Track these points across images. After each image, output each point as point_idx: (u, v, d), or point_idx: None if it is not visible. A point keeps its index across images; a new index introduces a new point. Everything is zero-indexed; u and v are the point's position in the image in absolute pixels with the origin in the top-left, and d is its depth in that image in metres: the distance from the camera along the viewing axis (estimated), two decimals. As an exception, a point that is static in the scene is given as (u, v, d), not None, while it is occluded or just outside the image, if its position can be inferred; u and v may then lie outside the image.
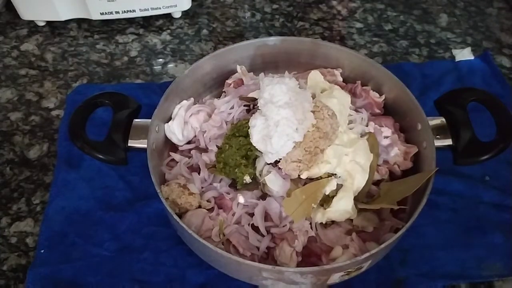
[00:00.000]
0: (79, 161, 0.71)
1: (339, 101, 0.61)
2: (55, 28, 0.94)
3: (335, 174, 0.57)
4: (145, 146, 0.59)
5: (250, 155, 0.59)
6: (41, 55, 0.90)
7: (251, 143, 0.57)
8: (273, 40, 0.72)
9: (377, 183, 0.61)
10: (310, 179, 0.58)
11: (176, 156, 0.66)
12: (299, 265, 0.55)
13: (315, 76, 0.67)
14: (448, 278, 0.60)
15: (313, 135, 0.56)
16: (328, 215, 0.57)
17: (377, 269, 0.60)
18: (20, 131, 0.78)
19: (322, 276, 0.53)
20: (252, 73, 0.72)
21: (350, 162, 0.58)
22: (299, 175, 0.57)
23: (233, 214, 0.58)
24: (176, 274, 0.61)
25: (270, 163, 0.58)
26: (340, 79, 0.71)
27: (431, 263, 0.62)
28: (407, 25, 0.96)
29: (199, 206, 0.59)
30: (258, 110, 0.58)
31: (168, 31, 0.94)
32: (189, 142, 0.67)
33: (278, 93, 0.56)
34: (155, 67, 0.88)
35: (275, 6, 1.00)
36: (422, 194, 0.55)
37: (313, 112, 0.57)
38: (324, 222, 0.58)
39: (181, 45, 0.92)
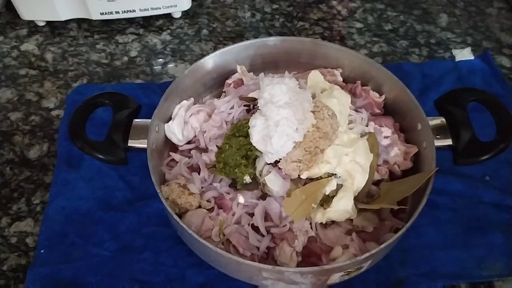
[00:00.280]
0: (79, 161, 0.71)
1: (339, 101, 0.61)
2: (55, 28, 0.94)
3: (335, 174, 0.57)
4: (145, 146, 0.59)
5: (250, 155, 0.59)
6: (41, 55, 0.90)
7: (251, 143, 0.57)
8: (273, 40, 0.72)
9: (377, 183, 0.61)
10: (310, 179, 0.58)
11: (176, 156, 0.66)
12: (299, 265, 0.55)
13: (315, 76, 0.67)
14: (448, 278, 0.60)
15: (313, 135, 0.56)
16: (328, 215, 0.57)
17: (377, 269, 0.60)
18: (20, 131, 0.78)
19: (322, 276, 0.53)
20: (252, 73, 0.72)
21: (350, 162, 0.58)
22: (299, 175, 0.57)
23: (233, 214, 0.58)
24: (176, 274, 0.61)
25: (270, 163, 0.58)
26: (340, 79, 0.71)
27: (431, 263, 0.62)
28: (407, 25, 0.96)
29: (199, 206, 0.59)
30: (258, 110, 0.58)
31: (168, 31, 0.94)
32: (189, 142, 0.67)
33: (278, 93, 0.56)
34: (155, 67, 0.88)
35: (275, 6, 1.00)
36: (422, 194, 0.55)
37: (313, 112, 0.57)
38: (324, 222, 0.58)
39: (181, 45, 0.92)
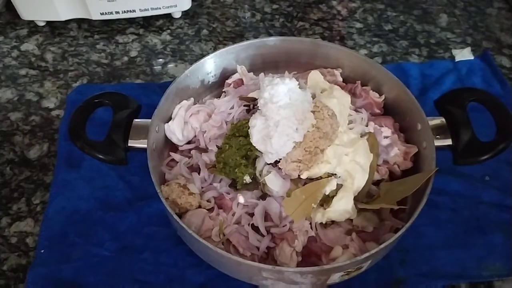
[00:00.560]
0: (79, 161, 0.71)
1: (339, 101, 0.61)
2: (55, 28, 0.94)
3: (335, 174, 0.57)
4: (145, 146, 0.59)
5: (250, 155, 0.59)
6: (41, 55, 0.90)
7: (251, 143, 0.57)
8: (273, 40, 0.72)
9: (377, 183, 0.61)
10: (310, 179, 0.58)
11: (176, 156, 0.66)
12: (299, 265, 0.55)
13: (315, 76, 0.67)
14: (448, 278, 0.60)
15: (313, 135, 0.56)
16: (328, 215, 0.57)
17: (377, 269, 0.60)
18: (20, 131, 0.78)
19: (322, 276, 0.53)
20: (252, 73, 0.72)
21: (350, 162, 0.58)
22: (299, 175, 0.57)
23: (233, 214, 0.58)
24: (176, 274, 0.61)
25: (270, 163, 0.58)
26: (340, 79, 0.71)
27: (431, 263, 0.62)
28: (407, 25, 0.96)
29: (199, 206, 0.59)
30: (258, 110, 0.58)
31: (168, 31, 0.94)
32: (189, 142, 0.67)
33: (278, 93, 0.56)
34: (155, 67, 0.88)
35: (275, 6, 1.00)
36: (422, 194, 0.55)
37: (313, 112, 0.57)
38: (324, 222, 0.58)
39: (181, 45, 0.92)
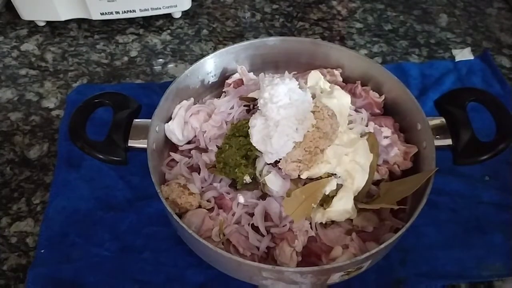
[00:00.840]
0: (79, 161, 0.71)
1: (339, 101, 0.61)
2: (55, 28, 0.94)
3: (335, 174, 0.57)
4: (145, 146, 0.59)
5: (250, 155, 0.59)
6: (41, 55, 0.90)
7: (251, 143, 0.57)
8: (273, 40, 0.72)
9: (377, 183, 0.61)
10: (310, 179, 0.58)
11: (176, 156, 0.66)
12: (299, 265, 0.55)
13: (315, 76, 0.67)
14: (448, 278, 0.60)
15: (313, 135, 0.56)
16: (328, 215, 0.57)
17: (377, 269, 0.60)
18: (20, 131, 0.78)
19: (322, 276, 0.53)
20: (252, 73, 0.72)
21: (350, 162, 0.58)
22: (299, 175, 0.57)
23: (233, 214, 0.58)
24: (176, 274, 0.61)
25: (270, 163, 0.58)
26: (340, 79, 0.71)
27: (431, 263, 0.62)
28: (407, 25, 0.96)
29: (199, 206, 0.59)
30: (258, 110, 0.58)
31: (168, 31, 0.94)
32: (189, 142, 0.67)
33: (278, 93, 0.56)
34: (155, 67, 0.88)
35: (275, 6, 1.00)
36: (422, 194, 0.55)
37: (313, 112, 0.57)
38: (324, 222, 0.58)
39: (181, 45, 0.92)
